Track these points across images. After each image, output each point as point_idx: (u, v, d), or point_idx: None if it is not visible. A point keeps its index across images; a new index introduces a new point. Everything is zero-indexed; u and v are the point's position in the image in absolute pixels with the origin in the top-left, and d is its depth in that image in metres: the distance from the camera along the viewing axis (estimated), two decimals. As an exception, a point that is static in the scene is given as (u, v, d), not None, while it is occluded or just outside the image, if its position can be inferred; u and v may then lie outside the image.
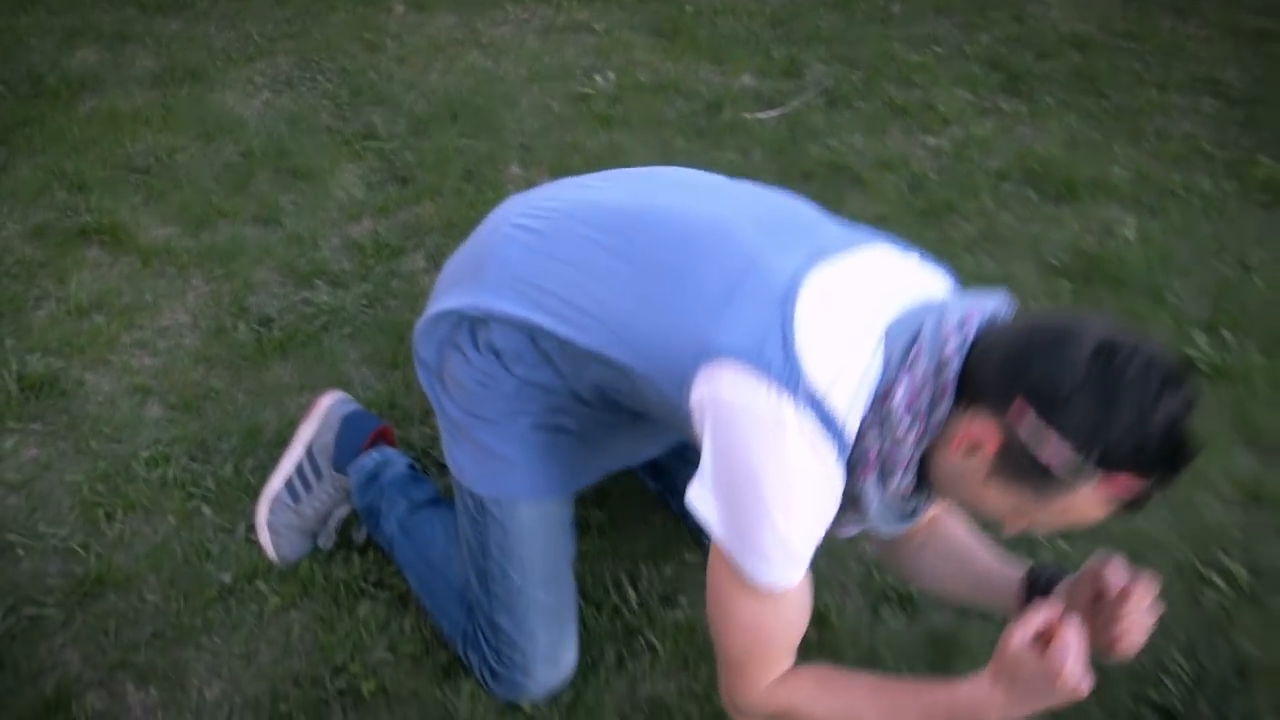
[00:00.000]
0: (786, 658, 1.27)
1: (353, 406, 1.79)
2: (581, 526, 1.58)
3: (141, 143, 2.89)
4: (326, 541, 1.76)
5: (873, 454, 1.13)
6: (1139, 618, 1.21)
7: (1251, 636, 1.70)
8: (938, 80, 3.40)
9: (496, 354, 1.37)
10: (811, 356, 1.09)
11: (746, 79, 3.39)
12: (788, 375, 1.08)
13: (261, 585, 1.72)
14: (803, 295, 1.13)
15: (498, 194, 2.74)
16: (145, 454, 1.94)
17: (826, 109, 3.22)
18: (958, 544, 1.43)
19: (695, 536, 1.80)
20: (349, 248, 2.55)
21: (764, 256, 1.18)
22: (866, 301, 1.15)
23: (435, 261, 2.51)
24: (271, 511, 1.74)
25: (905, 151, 3.00)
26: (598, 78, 3.34)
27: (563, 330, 1.28)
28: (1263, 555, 1.83)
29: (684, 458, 1.60)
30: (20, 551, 1.76)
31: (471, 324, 1.38)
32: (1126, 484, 1.04)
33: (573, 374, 1.34)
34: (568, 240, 1.32)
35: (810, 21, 3.82)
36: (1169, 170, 2.94)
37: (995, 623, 1.36)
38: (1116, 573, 1.23)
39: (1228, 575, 1.79)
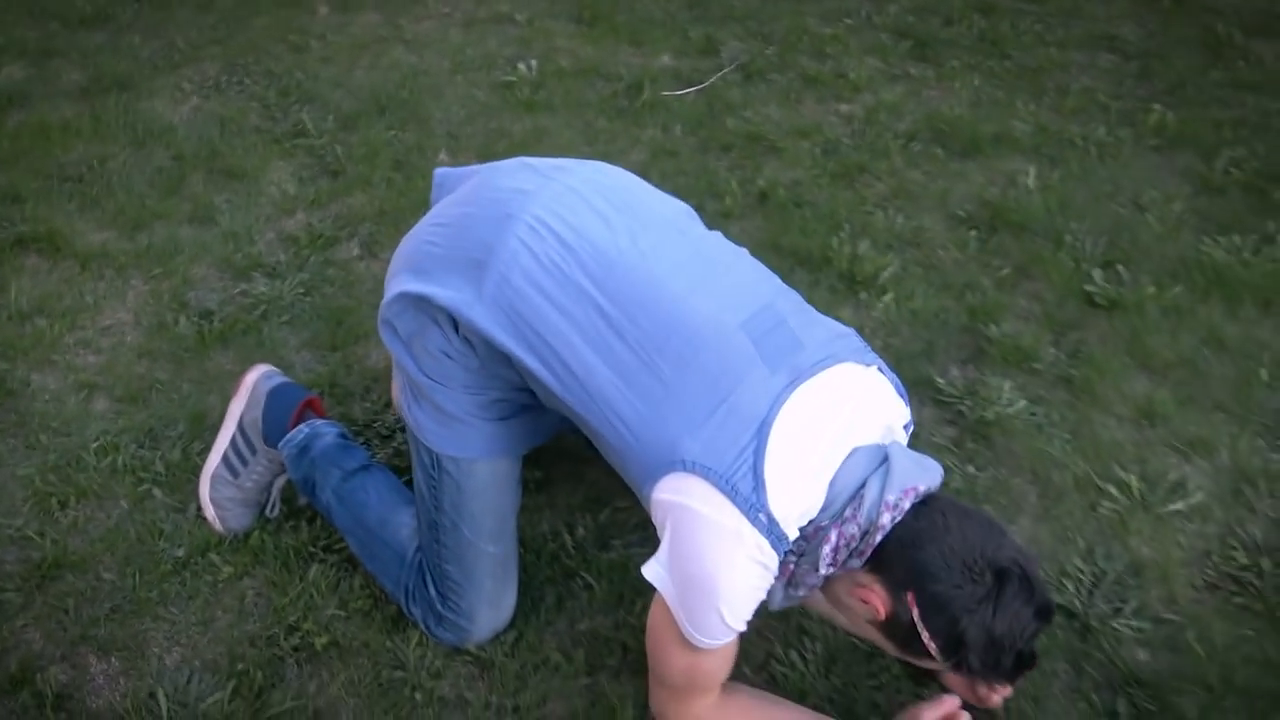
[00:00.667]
0: (717, 688, 1.44)
1: (279, 380, 1.86)
2: (520, 483, 1.67)
3: (73, 152, 2.94)
4: (273, 510, 1.84)
5: (789, 570, 1.32)
6: None
7: (1144, 539, 1.83)
8: (849, 50, 3.53)
9: (472, 346, 1.47)
10: (774, 487, 1.25)
11: (665, 59, 3.49)
12: (752, 501, 1.24)
13: (214, 557, 1.79)
14: (776, 426, 1.26)
15: (427, 181, 2.81)
16: (94, 445, 2.01)
17: (743, 83, 3.33)
18: None
19: (626, 488, 1.91)
20: (284, 241, 2.62)
21: (749, 377, 1.29)
22: (827, 436, 1.30)
23: (369, 249, 2.59)
24: (213, 488, 1.82)
25: (819, 119, 3.12)
26: (521, 66, 3.42)
27: (544, 376, 1.38)
28: (1154, 466, 1.97)
29: None
30: (-24, 543, 1.82)
31: (456, 320, 1.45)
32: (967, 675, 1.32)
33: (544, 398, 1.45)
34: (573, 293, 1.37)
35: (725, 1, 3.93)
36: (1068, 122, 3.08)
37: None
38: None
39: (1123, 486, 1.92)
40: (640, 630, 1.66)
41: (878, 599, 1.29)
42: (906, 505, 1.27)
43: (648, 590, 1.69)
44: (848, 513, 1.27)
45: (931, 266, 2.48)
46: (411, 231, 1.61)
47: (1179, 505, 1.88)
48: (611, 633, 1.68)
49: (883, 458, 1.30)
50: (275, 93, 3.28)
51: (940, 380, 2.13)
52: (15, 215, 2.66)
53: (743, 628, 1.32)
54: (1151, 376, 2.17)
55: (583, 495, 1.91)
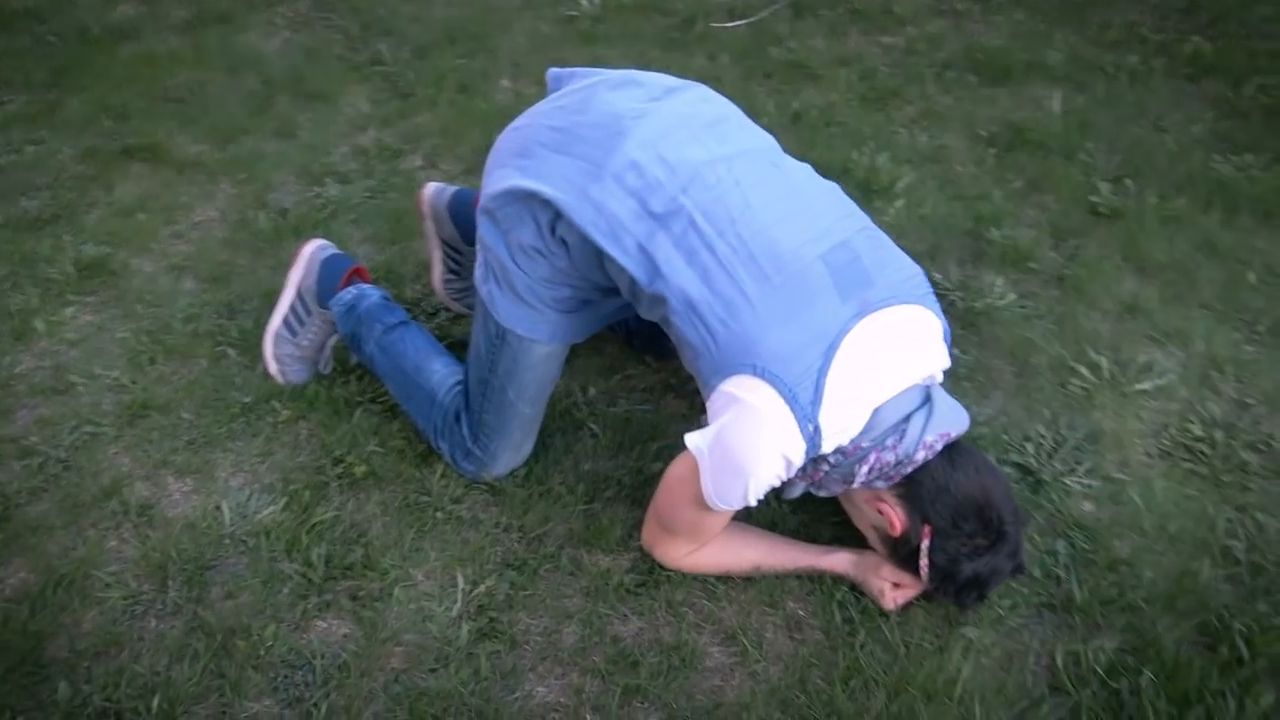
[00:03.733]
0: (697, 545, 1.67)
1: (331, 250, 2.12)
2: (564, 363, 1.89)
3: (176, 77, 3.26)
4: (326, 366, 2.12)
5: (819, 477, 1.54)
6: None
7: (1108, 413, 1.98)
8: (900, -14, 3.65)
9: (566, 245, 1.65)
10: (829, 404, 1.43)
11: (724, -9, 3.67)
12: (808, 411, 1.42)
13: (275, 404, 2.07)
14: (841, 350, 1.43)
15: (489, 103, 3.08)
16: (181, 315, 2.31)
17: (793, 18, 3.49)
18: None
19: (639, 358, 2.14)
20: (356, 153, 2.90)
21: (822, 302, 1.45)
22: (882, 369, 1.47)
23: (432, 161, 2.85)
24: (275, 344, 2.09)
25: (861, 50, 3.27)
26: (584, 1, 3.64)
27: (639, 275, 1.54)
28: (1128, 352, 2.10)
29: None
30: (80, 388, 2.13)
31: (558, 214, 1.61)
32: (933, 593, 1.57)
33: (628, 293, 1.63)
34: (671, 208, 1.52)
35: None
36: (1104, 53, 3.17)
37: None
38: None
39: (1094, 367, 2.06)
40: (636, 473, 1.90)
41: (897, 518, 1.52)
42: (939, 447, 1.49)
43: (647, 440, 1.95)
44: (889, 442, 1.47)
45: (948, 180, 2.63)
46: (515, 126, 1.75)
47: (1145, 385, 2.02)
48: (611, 472, 1.91)
49: (925, 397, 1.50)
50: (358, 26, 3.57)
51: (938, 275, 2.29)
52: (124, 129, 3.00)
53: (754, 503, 1.52)
54: (1142, 277, 2.30)
55: (598, 363, 2.14)
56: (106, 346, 2.24)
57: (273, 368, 2.10)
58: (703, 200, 1.51)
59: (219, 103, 3.14)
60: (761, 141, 1.66)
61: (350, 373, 2.13)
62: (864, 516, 1.62)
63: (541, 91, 1.79)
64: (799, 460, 1.47)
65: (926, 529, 1.50)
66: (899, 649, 1.59)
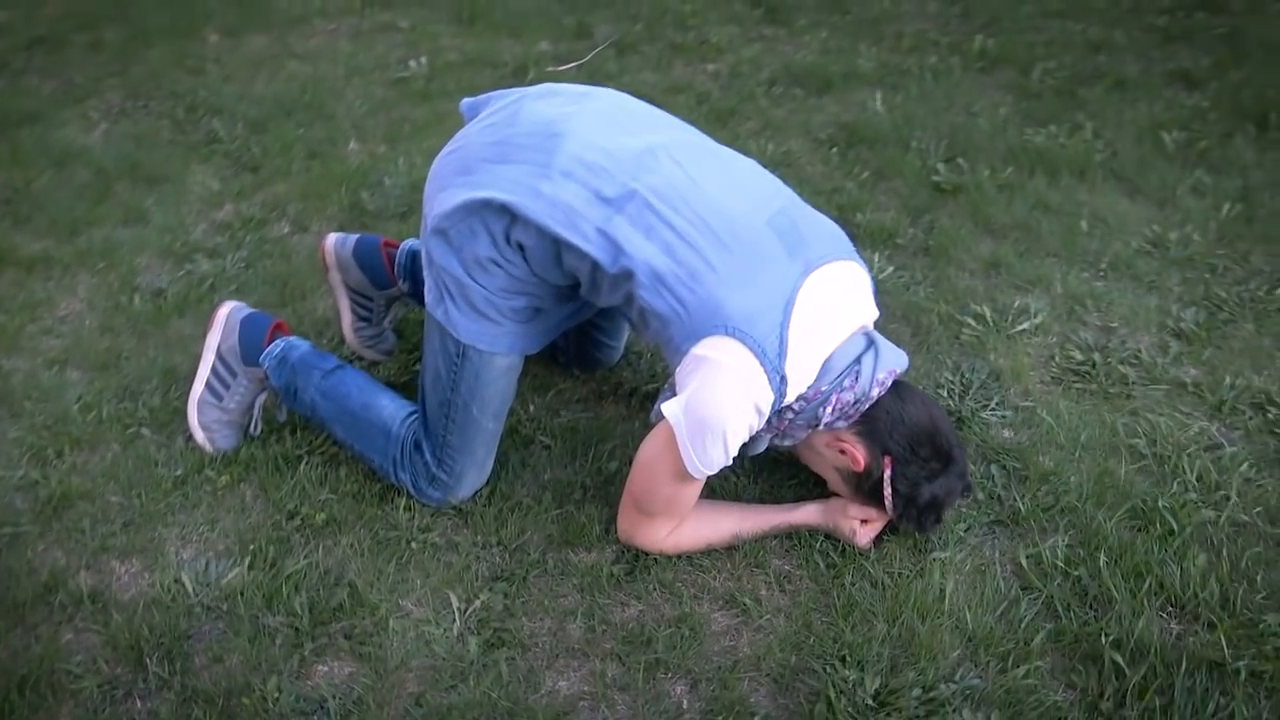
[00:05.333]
0: (672, 524, 1.76)
1: (248, 310, 2.09)
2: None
3: (-4, 180, 3.11)
4: (256, 428, 2.08)
5: (784, 425, 1.65)
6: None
7: (1000, 354, 2.20)
8: (708, 21, 3.91)
9: (521, 249, 1.69)
10: (793, 354, 1.55)
11: (544, 45, 3.82)
12: (776, 364, 1.54)
13: (209, 472, 2.02)
14: (797, 305, 1.55)
15: (344, 165, 3.09)
16: (76, 405, 2.21)
17: (618, 56, 3.68)
18: None
19: (567, 372, 2.21)
20: (218, 228, 2.85)
21: (775, 263, 1.58)
22: (832, 318, 1.61)
23: (301, 225, 2.83)
24: (200, 412, 2.04)
25: (690, 78, 3.49)
26: (412, 64, 3.71)
27: (602, 258, 1.60)
28: (1002, 301, 2.34)
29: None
30: (-15, 493, 2.00)
31: (512, 219, 1.66)
32: (901, 525, 1.72)
33: (588, 287, 1.69)
34: (623, 193, 1.60)
35: (588, -6, 4.28)
36: (905, 58, 3.51)
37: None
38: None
39: (978, 317, 2.29)
40: (597, 474, 1.97)
41: (859, 454, 1.65)
42: (889, 383, 1.64)
43: (600, 442, 2.02)
44: (846, 383, 1.60)
45: (803, 180, 2.84)
46: (449, 151, 1.79)
47: (1024, 325, 2.26)
48: (572, 478, 1.96)
49: (869, 341, 1.65)
50: (183, 109, 3.50)
51: (820, 261, 2.48)
52: (-46, 237, 2.82)
53: (730, 460, 1.61)
54: (994, 238, 2.56)
55: (530, 382, 2.19)
56: (2, 448, 2.11)
57: (200, 436, 2.04)
58: (651, 182, 1.61)
59: (51, 198, 3.01)
60: (687, 127, 1.79)
61: (281, 430, 2.09)
62: (825, 461, 1.75)
63: (391, 150, 1.85)
64: (768, 411, 1.58)
65: (887, 460, 1.64)
66: (884, 580, 1.72)
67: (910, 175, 2.81)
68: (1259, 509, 1.80)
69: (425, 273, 1.80)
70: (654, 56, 3.67)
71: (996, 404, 2.06)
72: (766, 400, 1.56)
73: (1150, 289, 2.37)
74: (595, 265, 1.63)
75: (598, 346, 2.18)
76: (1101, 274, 2.42)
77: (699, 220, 1.59)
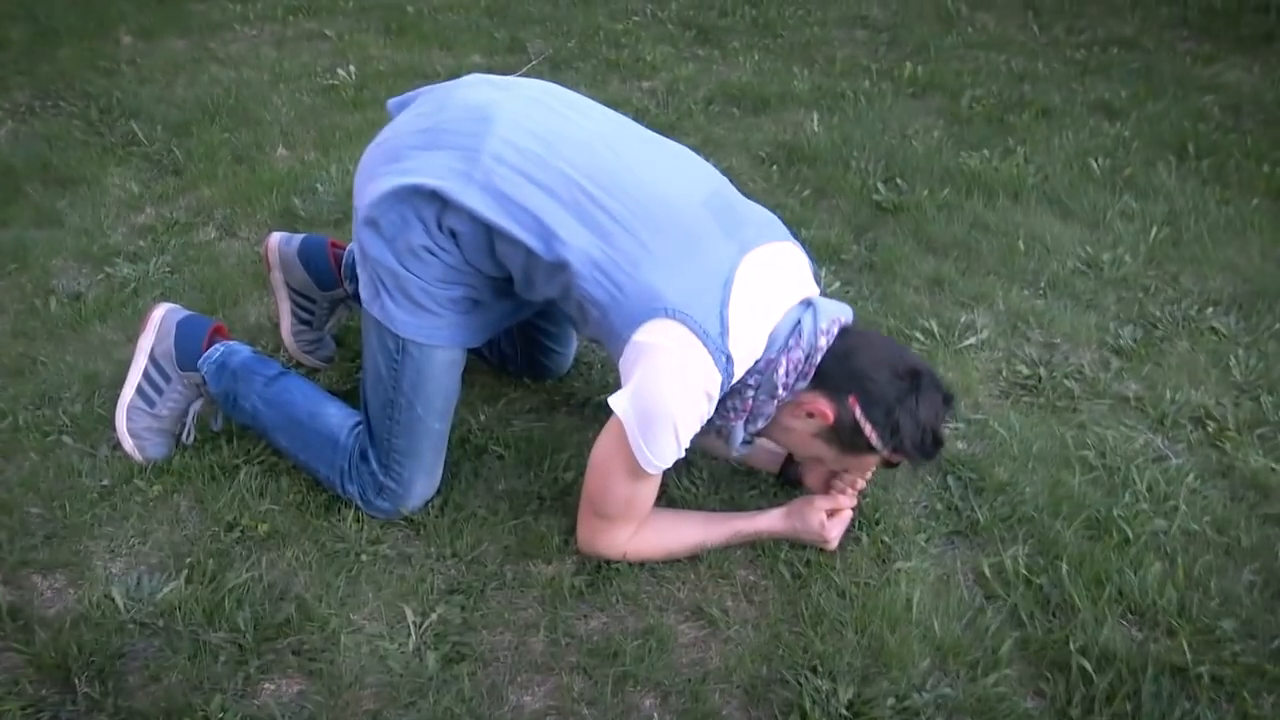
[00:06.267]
0: (643, 519, 1.71)
1: (184, 312, 1.99)
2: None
3: (-108, 178, 2.91)
4: (189, 436, 1.97)
5: (749, 404, 1.61)
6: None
7: (949, 368, 2.22)
8: (641, 40, 3.92)
9: (454, 236, 1.63)
10: (734, 332, 1.52)
11: (476, 58, 3.77)
12: (719, 344, 1.52)
13: (139, 483, 1.90)
14: (735, 283, 1.53)
15: (272, 171, 2.98)
16: (-12, 414, 2.06)
17: (551, 72, 3.65)
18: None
19: (516, 381, 2.15)
20: (139, 231, 2.71)
21: (712, 243, 1.56)
22: (771, 293, 1.59)
23: (228, 229, 2.72)
24: (129, 419, 1.92)
25: (626, 94, 3.48)
26: (340, 72, 3.62)
27: (536, 246, 1.56)
28: (948, 317, 2.37)
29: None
30: (-113, 505, 1.85)
31: (444, 205, 1.60)
32: (899, 458, 1.62)
33: (523, 281, 1.64)
34: (556, 177, 1.56)
35: (522, 9, 4.26)
36: (838, 81, 3.56)
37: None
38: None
39: (927, 332, 2.31)
40: (553, 483, 1.91)
41: (825, 407, 1.59)
42: (835, 331, 1.60)
43: (556, 451, 1.96)
44: (790, 342, 1.58)
45: (745, 196, 2.85)
46: (378, 142, 1.73)
47: (971, 340, 2.29)
48: (527, 487, 1.90)
49: (808, 304, 1.62)
50: (96, 110, 3.35)
51: (768, 275, 2.48)
52: None
53: (683, 451, 1.58)
54: (936, 256, 2.60)
55: (480, 392, 2.13)
56: (-95, 459, 1.96)
57: (128, 444, 1.93)
58: (585, 166, 1.58)
59: (-45, 197, 2.84)
60: (618, 115, 1.77)
61: (216, 438, 1.99)
62: (803, 436, 1.66)
63: (323, 157, 1.78)
64: (717, 392, 1.55)
65: (851, 399, 1.57)
66: (850, 590, 1.70)
67: (851, 194, 2.84)
68: (1207, 518, 1.85)
69: (359, 269, 1.74)
70: (589, 72, 3.65)
71: (949, 417, 2.08)
72: (714, 382, 1.53)
73: (1088, 307, 2.42)
74: (530, 253, 1.59)
75: (547, 354, 2.13)
76: (1041, 292, 2.47)
77: (633, 204, 1.56)
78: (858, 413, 1.58)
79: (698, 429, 1.58)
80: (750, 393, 1.61)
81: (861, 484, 1.81)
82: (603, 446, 1.63)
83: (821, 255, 2.57)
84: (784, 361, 1.58)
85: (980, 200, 2.81)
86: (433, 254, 1.65)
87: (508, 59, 3.77)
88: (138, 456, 1.93)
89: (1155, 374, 2.22)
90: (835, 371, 1.59)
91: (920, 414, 1.56)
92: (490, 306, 1.77)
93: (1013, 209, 2.79)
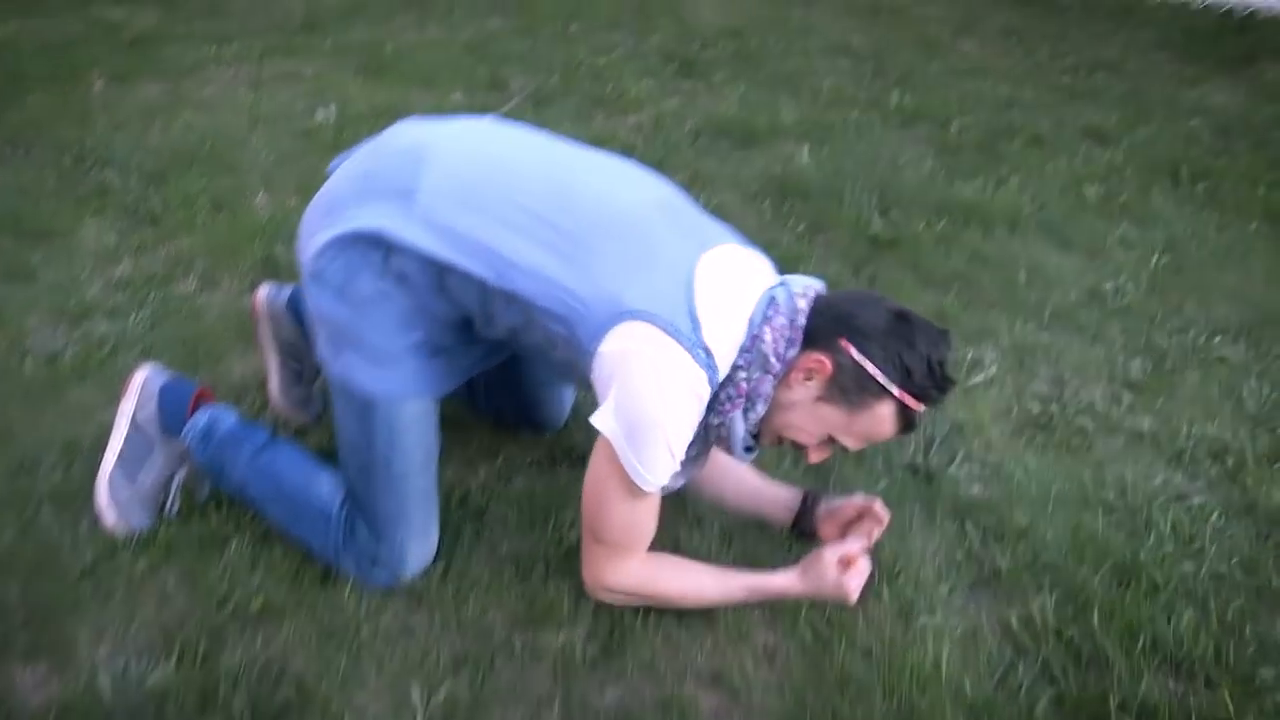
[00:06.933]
0: (646, 545, 1.62)
1: (167, 376, 1.91)
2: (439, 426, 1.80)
3: None
4: (174, 507, 1.88)
5: (743, 387, 1.51)
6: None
7: (959, 407, 2.16)
8: (624, 75, 3.87)
9: (403, 280, 1.57)
10: (707, 324, 1.46)
11: (458, 96, 3.71)
12: (693, 339, 1.45)
13: (124, 557, 1.81)
14: (698, 277, 1.48)
15: (253, 218, 2.91)
16: (-39, 486, 1.97)
17: (535, 108, 3.60)
18: (732, 469, 1.84)
19: (513, 435, 2.08)
20: (116, 286, 2.63)
21: (669, 243, 1.51)
22: (738, 283, 1.53)
23: (210, 281, 2.63)
24: (111, 490, 1.84)
25: (612, 130, 3.43)
26: (320, 113, 3.56)
27: (487, 276, 1.51)
28: (953, 353, 2.31)
29: (503, 372, 1.93)
30: None
31: (388, 249, 1.55)
32: (912, 400, 1.50)
33: (482, 318, 1.58)
34: (501, 201, 1.52)
35: (502, 47, 4.21)
36: (827, 112, 3.52)
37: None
38: (878, 510, 1.71)
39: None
40: (558, 544, 1.84)
41: (821, 360, 1.49)
42: (812, 295, 1.55)
43: (560, 509, 1.89)
44: (769, 312, 1.51)
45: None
46: (316, 200, 1.70)
47: (979, 379, 2.24)
48: (532, 549, 1.83)
49: (778, 284, 1.57)
50: (69, 159, 3.26)
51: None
52: None
53: (678, 463, 1.50)
54: (936, 290, 2.55)
55: (476, 448, 2.05)
56: (-126, 536, 1.86)
57: (110, 517, 1.84)
58: (526, 186, 1.55)
59: (-77, 254, 2.74)
60: (555, 136, 1.72)
61: (205, 506, 1.90)
62: (807, 409, 1.55)
63: (304, 202, 1.70)
64: (704, 391, 1.48)
65: (843, 341, 1.49)
66: (875, 649, 1.63)
67: (846, 228, 2.79)
68: (1235, 559, 1.80)
69: (315, 330, 1.68)
70: (572, 109, 3.60)
71: (963, 459, 2.02)
72: (699, 380, 1.46)
73: (1095, 339, 2.38)
74: (482, 285, 1.53)
75: (542, 405, 2.06)
76: (1046, 325, 2.43)
77: (580, 214, 1.52)
78: (854, 352, 1.49)
79: (690, 435, 1.51)
80: (742, 374, 1.52)
81: (877, 533, 1.74)
82: (594, 469, 1.55)
83: (821, 293, 2.51)
84: (768, 331, 1.51)
85: (977, 231, 2.77)
86: (384, 300, 1.59)
87: (489, 96, 3.72)
88: (121, 529, 1.84)
89: (1168, 407, 2.17)
90: (820, 325, 1.52)
91: (919, 344, 1.49)
92: (455, 350, 1.71)
93: (1010, 239, 2.75)
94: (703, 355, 1.46)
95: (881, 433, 1.56)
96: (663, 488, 1.54)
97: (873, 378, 1.49)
